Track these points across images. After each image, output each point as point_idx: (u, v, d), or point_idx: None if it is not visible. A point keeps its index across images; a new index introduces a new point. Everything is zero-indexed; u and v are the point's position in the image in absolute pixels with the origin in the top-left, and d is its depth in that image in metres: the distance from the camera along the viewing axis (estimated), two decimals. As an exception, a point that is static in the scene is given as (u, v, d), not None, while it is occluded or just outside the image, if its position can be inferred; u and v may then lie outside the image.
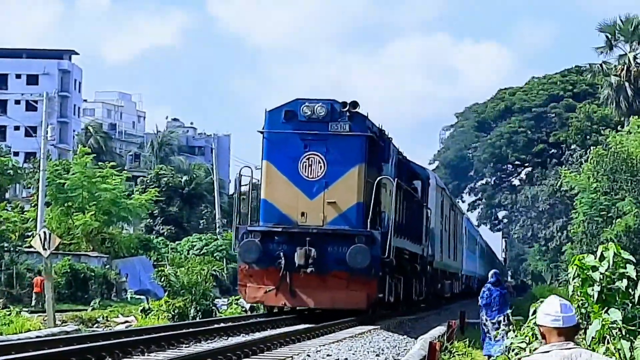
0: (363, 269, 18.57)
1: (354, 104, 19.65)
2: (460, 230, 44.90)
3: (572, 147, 66.63)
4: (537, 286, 61.28)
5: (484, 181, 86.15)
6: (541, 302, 4.41)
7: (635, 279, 8.10)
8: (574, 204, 51.27)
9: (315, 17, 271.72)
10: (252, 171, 21.00)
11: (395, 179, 21.20)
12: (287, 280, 18.99)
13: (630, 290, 8.02)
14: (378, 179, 19.80)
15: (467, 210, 76.39)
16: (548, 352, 3.49)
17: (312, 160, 19.66)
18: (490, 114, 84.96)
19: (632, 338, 7.44)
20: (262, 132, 20.08)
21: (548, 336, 3.54)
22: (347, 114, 19.57)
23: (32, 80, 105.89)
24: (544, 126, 78.27)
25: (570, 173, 51.78)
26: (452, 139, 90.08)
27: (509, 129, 79.67)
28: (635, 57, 56.92)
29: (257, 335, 16.72)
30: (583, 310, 8.16)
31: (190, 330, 16.95)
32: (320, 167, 19.66)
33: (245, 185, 21.61)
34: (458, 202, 61.70)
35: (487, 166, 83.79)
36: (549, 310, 3.55)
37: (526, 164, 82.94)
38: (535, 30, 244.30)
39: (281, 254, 19.01)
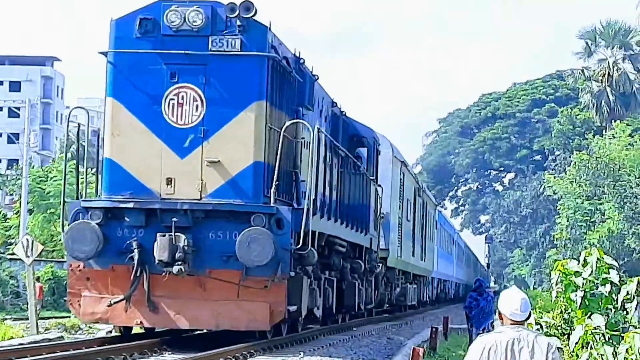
0: (263, 267, 12.09)
1: (247, 6, 12.73)
2: (431, 223, 37.41)
3: (556, 152, 67.52)
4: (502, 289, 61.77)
5: (467, 187, 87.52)
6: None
7: (618, 284, 8.44)
8: (558, 208, 52.80)
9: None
10: (87, 115, 14.71)
11: (316, 127, 14.18)
12: (144, 286, 12.49)
13: (613, 295, 8.36)
14: (287, 124, 13.30)
15: (450, 217, 77.54)
16: (501, 332, 4.80)
17: (182, 97, 12.98)
18: (473, 119, 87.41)
19: (615, 343, 7.78)
20: (104, 54, 13.32)
21: (505, 321, 4.78)
22: (238, 22, 12.81)
23: (15, 86, 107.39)
24: (527, 132, 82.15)
25: (554, 178, 53.33)
26: (435, 145, 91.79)
27: (492, 135, 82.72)
28: (615, 62, 57.71)
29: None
30: (566, 316, 9.31)
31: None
32: (197, 107, 13.02)
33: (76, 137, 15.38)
34: (440, 206, 57.53)
35: (470, 172, 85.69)
36: (511, 306, 4.74)
37: (510, 170, 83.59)
38: (524, 35, 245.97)
39: (133, 244, 12.41)
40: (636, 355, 7.40)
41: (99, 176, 13.95)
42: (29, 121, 55.40)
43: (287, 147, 13.42)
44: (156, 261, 12.16)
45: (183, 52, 12.65)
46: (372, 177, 21.48)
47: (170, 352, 12.68)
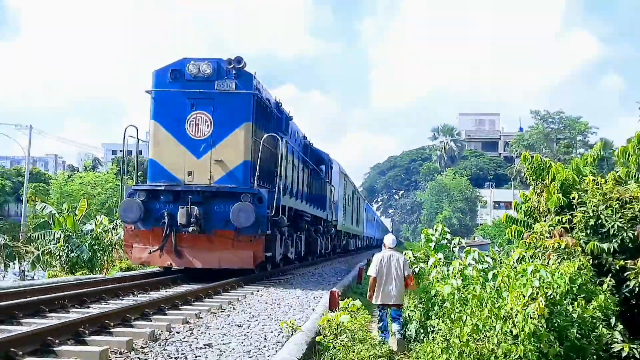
0: (248, 228, 17.45)
1: (239, 60, 18.58)
2: (362, 208, 57.02)
3: (421, 182, 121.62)
4: (406, 242, 78.19)
5: (382, 197, 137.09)
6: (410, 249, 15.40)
7: (450, 239, 15.67)
8: (422, 207, 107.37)
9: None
10: (137, 131, 19.75)
11: (284, 139, 20.17)
12: (172, 240, 17.87)
13: (448, 244, 15.54)
14: (264, 136, 19.06)
15: (376, 209, 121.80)
16: (385, 251, 12.32)
17: (199, 120, 18.79)
18: (385, 166, 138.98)
19: (448, 267, 12.70)
20: (149, 92, 19.19)
21: (386, 247, 12.44)
22: (234, 71, 18.60)
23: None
24: (409, 174, 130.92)
25: (420, 193, 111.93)
26: (368, 178, 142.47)
27: (393, 174, 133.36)
28: (447, 143, 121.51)
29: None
30: (427, 253, 15.27)
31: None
32: (207, 125, 18.79)
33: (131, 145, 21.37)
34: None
35: (382, 191, 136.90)
36: (389, 240, 12.64)
37: (401, 189, 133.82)
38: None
39: (165, 213, 17.87)
40: (456, 271, 11.62)
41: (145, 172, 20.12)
42: None
43: (265, 153, 19.58)
44: (178, 224, 17.69)
45: (199, 90, 18.67)
46: (327, 181, 31.20)
47: (185, 284, 17.39)
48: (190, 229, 17.58)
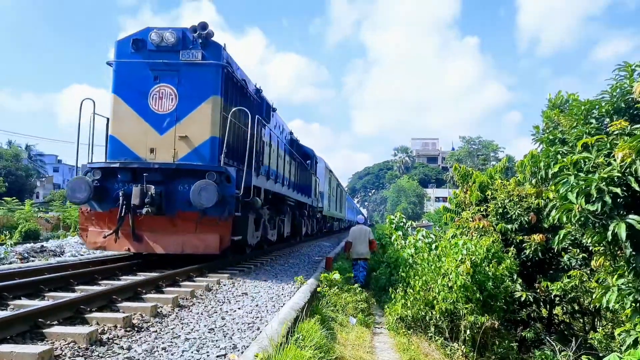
0: (213, 209, 10.98)
1: (203, 26, 12.25)
2: (344, 198, 51.65)
3: (387, 185, 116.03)
4: (376, 225, 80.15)
5: (359, 195, 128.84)
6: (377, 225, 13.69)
7: (405, 222, 15.73)
8: (387, 201, 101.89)
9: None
10: (94, 104, 12.23)
11: (256, 117, 12.99)
12: (130, 223, 11.26)
13: (404, 227, 15.59)
14: (233, 110, 12.42)
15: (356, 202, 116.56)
16: (356, 226, 13.27)
17: (162, 93, 12.28)
18: (363, 174, 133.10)
19: (406, 240, 14.46)
20: (110, 64, 12.64)
21: (357, 224, 13.13)
22: (200, 40, 12.24)
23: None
24: (378, 179, 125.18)
25: (385, 191, 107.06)
26: (350, 181, 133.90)
27: (367, 179, 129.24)
28: (403, 158, 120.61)
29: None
30: (387, 232, 15.51)
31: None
32: (172, 99, 12.32)
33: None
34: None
35: (360, 190, 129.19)
36: (360, 218, 14.02)
37: (373, 189, 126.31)
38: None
39: (120, 193, 11.31)
40: (410, 244, 12.78)
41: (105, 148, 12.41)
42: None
43: (237, 130, 12.94)
44: (131, 205, 10.95)
45: (162, 61, 11.85)
46: (313, 172, 25.49)
47: (141, 273, 10.31)
48: (144, 210, 10.95)
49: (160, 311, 6.40)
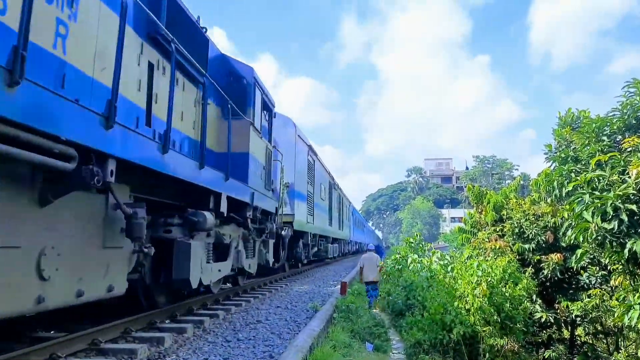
0: None
1: None
2: (347, 210, 34.78)
3: (400, 206, 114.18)
4: (392, 246, 77.92)
5: (373, 217, 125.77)
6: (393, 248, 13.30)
7: (423, 244, 15.61)
8: (402, 222, 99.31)
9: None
10: None
11: None
12: None
13: (422, 247, 15.44)
14: None
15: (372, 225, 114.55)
16: (367, 253, 13.37)
17: None
18: (375, 196, 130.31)
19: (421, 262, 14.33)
20: None
21: (367, 252, 12.99)
22: None
23: None
24: (392, 200, 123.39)
25: (400, 213, 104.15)
26: (364, 204, 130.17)
27: (381, 201, 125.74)
28: (417, 178, 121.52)
29: None
30: (405, 254, 15.38)
31: None
32: None
33: None
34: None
35: (374, 212, 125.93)
36: (371, 247, 13.79)
37: (388, 211, 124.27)
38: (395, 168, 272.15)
39: None
40: (425, 267, 14.04)
41: None
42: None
43: None
44: None
45: None
46: (273, 146, 12.50)
47: None
48: None
49: (176, 340, 6.41)
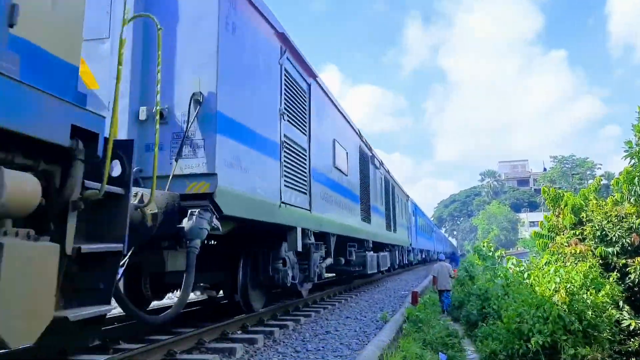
0: None
1: None
2: (406, 209, 26.60)
3: (474, 212, 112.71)
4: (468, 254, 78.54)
5: (447, 224, 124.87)
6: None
7: (494, 250, 15.13)
8: (477, 228, 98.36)
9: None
10: None
11: None
12: None
13: (493, 255, 14.96)
14: None
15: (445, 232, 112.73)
16: (439, 263, 13.85)
17: None
18: (447, 202, 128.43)
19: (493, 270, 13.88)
20: None
21: (439, 261, 13.52)
22: None
23: None
24: (465, 206, 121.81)
25: (475, 219, 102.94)
26: (436, 210, 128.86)
27: (454, 207, 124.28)
28: (491, 183, 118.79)
29: None
30: (477, 263, 14.95)
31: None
32: None
33: None
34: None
35: (447, 219, 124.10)
36: (442, 257, 13.89)
37: (462, 217, 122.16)
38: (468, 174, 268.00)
39: None
40: (500, 274, 13.53)
41: None
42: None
43: None
44: None
45: None
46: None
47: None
48: None
49: (247, 350, 6.56)
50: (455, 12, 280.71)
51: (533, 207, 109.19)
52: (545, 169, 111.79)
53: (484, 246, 15.58)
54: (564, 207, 12.45)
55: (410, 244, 26.87)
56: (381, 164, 17.80)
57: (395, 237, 19.57)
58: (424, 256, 38.16)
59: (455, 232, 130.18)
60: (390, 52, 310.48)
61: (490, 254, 15.06)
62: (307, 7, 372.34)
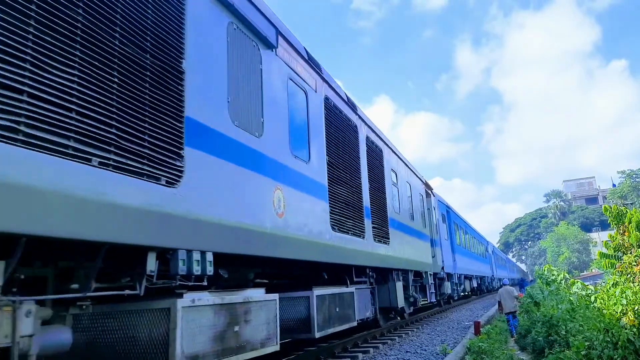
0: None
1: None
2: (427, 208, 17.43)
3: (542, 235, 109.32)
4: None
5: (513, 249, 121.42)
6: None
7: (557, 273, 14.56)
8: (546, 252, 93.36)
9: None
10: None
11: None
12: None
13: (556, 279, 14.38)
14: None
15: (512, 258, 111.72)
16: (503, 287, 13.75)
17: None
18: (512, 226, 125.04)
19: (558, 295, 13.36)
20: None
21: (503, 286, 13.11)
22: None
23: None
24: (532, 229, 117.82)
25: (544, 242, 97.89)
26: (502, 235, 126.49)
27: (520, 231, 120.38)
28: (558, 203, 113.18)
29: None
30: (541, 288, 14.40)
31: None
32: None
33: None
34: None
35: (514, 243, 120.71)
36: (506, 282, 13.17)
37: (530, 241, 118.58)
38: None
39: None
40: (564, 300, 12.96)
41: None
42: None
43: None
44: None
45: None
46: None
47: None
48: None
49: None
50: (505, 31, 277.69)
51: (605, 225, 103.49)
52: (614, 185, 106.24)
53: (546, 271, 15.02)
54: (629, 224, 11.92)
55: (442, 267, 17.93)
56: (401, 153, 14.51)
57: (385, 252, 10.75)
58: (475, 284, 30.19)
59: (523, 257, 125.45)
60: (442, 78, 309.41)
61: (553, 277, 14.50)
62: (356, 42, 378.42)
